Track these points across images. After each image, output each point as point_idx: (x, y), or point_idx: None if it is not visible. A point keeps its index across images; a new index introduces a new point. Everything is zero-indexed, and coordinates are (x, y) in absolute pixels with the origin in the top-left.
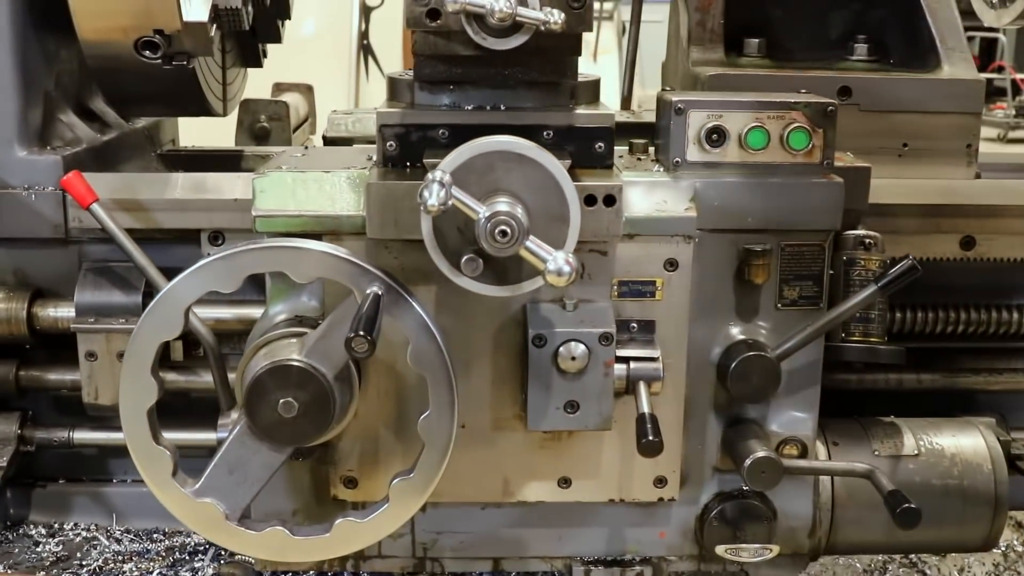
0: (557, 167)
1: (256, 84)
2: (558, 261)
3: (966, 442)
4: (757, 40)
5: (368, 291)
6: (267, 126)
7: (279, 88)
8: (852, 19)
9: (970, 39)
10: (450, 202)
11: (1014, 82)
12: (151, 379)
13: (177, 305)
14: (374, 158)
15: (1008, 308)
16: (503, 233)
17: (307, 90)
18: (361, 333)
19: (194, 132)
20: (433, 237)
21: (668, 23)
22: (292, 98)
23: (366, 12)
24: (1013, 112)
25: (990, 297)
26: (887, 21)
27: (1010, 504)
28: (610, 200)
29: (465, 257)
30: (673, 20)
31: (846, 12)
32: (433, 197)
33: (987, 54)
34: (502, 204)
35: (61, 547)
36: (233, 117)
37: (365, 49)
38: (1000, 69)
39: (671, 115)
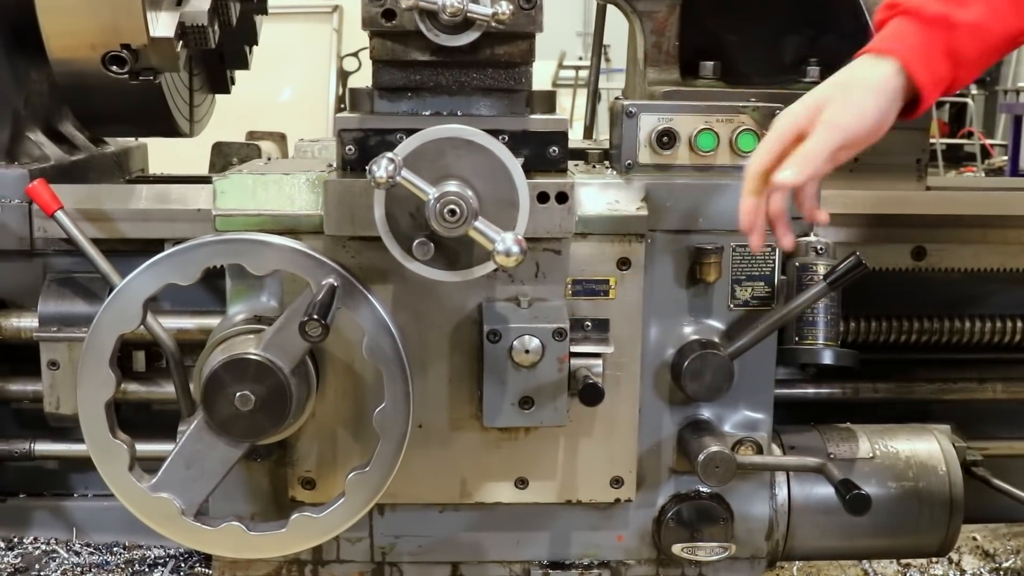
0: (504, 152)
1: (231, 138)
2: (507, 241)
3: (921, 446)
4: (712, 63)
5: (324, 283)
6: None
7: (252, 136)
8: (805, 43)
9: (940, 106)
10: (398, 177)
11: (983, 146)
12: (109, 372)
13: (135, 297)
14: (334, 164)
15: (961, 318)
16: (452, 212)
17: (280, 138)
18: (315, 317)
19: (164, 168)
20: (386, 222)
21: (627, 46)
22: (265, 145)
23: (343, 77)
24: (983, 175)
25: (943, 308)
26: (838, 45)
27: (967, 512)
28: (562, 197)
29: (416, 241)
30: (631, 43)
31: (799, 37)
32: (382, 170)
33: (956, 120)
34: (452, 186)
35: (19, 559)
36: (205, 158)
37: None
38: (970, 135)
39: (623, 119)
